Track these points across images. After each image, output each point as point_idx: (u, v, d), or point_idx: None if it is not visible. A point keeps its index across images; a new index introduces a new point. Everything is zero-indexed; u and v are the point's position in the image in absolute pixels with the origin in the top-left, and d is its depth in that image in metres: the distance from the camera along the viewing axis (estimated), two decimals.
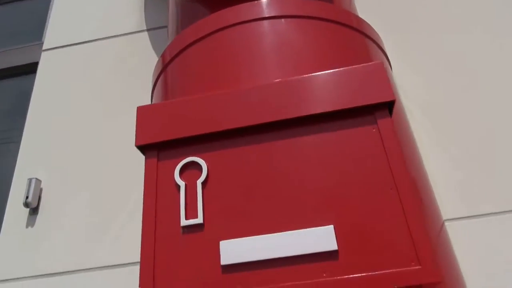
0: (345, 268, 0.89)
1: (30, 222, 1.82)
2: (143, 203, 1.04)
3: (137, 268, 1.46)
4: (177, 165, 1.08)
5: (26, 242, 1.77)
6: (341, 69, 1.11)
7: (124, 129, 1.92)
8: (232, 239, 0.95)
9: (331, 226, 0.92)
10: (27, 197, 1.79)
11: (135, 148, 1.15)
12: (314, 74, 1.11)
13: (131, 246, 1.68)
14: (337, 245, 0.90)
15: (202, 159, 1.07)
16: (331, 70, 1.11)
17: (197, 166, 1.07)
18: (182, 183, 1.05)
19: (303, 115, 1.06)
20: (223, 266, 0.93)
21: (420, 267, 0.86)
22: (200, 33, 1.47)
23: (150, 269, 0.95)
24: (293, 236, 0.93)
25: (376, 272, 0.87)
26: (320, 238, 0.91)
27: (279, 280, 0.89)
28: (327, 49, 1.34)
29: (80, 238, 1.73)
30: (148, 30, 2.23)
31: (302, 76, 1.12)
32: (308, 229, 0.93)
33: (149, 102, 1.95)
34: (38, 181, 1.86)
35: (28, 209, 1.83)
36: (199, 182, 1.04)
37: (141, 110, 1.17)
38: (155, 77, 1.65)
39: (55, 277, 1.67)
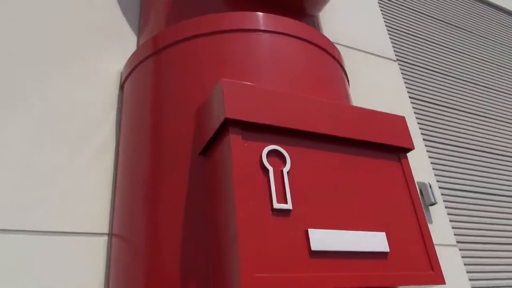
0: (391, 266, 1.14)
1: None
2: (235, 180, 1.03)
3: (84, 239, 1.31)
4: (263, 149, 1.12)
5: None
6: (383, 112, 1.40)
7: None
8: (318, 229, 1.07)
9: (383, 233, 1.17)
10: None
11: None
12: (363, 108, 1.37)
13: (82, 212, 1.44)
14: (389, 248, 1.15)
15: (285, 150, 1.15)
16: (376, 110, 1.39)
17: (280, 155, 1.14)
18: (270, 168, 1.10)
19: (358, 138, 1.29)
20: (313, 251, 1.04)
21: (433, 272, 1.20)
22: (202, 29, 1.51)
23: (250, 247, 0.97)
24: (362, 236, 1.13)
25: (408, 272, 1.16)
26: (380, 241, 1.15)
27: (351, 270, 1.07)
28: (311, 68, 1.59)
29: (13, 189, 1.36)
30: None
31: (356, 106, 1.35)
32: (371, 232, 1.15)
33: (95, 50, 1.74)
34: None
35: None
36: (284, 170, 1.12)
37: (227, 84, 1.14)
38: (144, 54, 1.57)
39: None
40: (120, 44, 1.86)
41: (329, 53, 1.70)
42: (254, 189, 1.05)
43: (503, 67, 3.81)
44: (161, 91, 1.50)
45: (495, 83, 3.58)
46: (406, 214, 1.27)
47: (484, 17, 4.12)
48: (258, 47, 1.50)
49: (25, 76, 1.54)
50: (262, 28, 1.56)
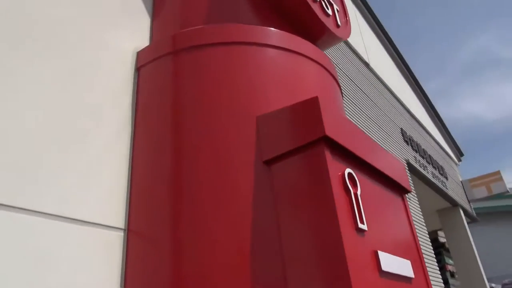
0: None
1: None
2: (335, 197, 1.08)
3: (96, 230, 1.19)
4: (344, 170, 1.19)
5: None
6: (390, 154, 1.62)
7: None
8: (381, 251, 1.19)
9: (409, 261, 1.35)
10: None
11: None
12: (388, 152, 1.57)
13: (98, 201, 1.23)
14: (413, 274, 1.34)
15: (356, 176, 1.24)
16: (389, 153, 1.60)
17: (352, 179, 1.23)
18: (352, 189, 1.17)
19: (390, 175, 1.47)
20: (383, 271, 1.14)
21: None
22: (223, 38, 1.55)
23: (353, 260, 1.02)
24: (403, 261, 1.28)
25: None
26: (409, 268, 1.32)
27: None
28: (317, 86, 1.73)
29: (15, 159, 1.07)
30: None
31: (384, 150, 1.54)
32: (404, 259, 1.31)
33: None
34: None
35: None
36: (358, 193, 1.21)
37: (323, 104, 1.20)
38: (165, 50, 1.53)
39: None
40: (135, 20, 1.69)
41: (332, 74, 1.83)
42: (342, 207, 1.12)
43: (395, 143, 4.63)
44: (189, 91, 1.44)
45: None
46: (413, 246, 1.48)
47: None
48: (277, 63, 1.55)
49: (38, 51, 1.27)
50: (283, 45, 1.62)
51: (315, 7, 1.78)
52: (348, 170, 1.21)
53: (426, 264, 3.98)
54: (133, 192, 1.34)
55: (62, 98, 1.25)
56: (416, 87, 7.14)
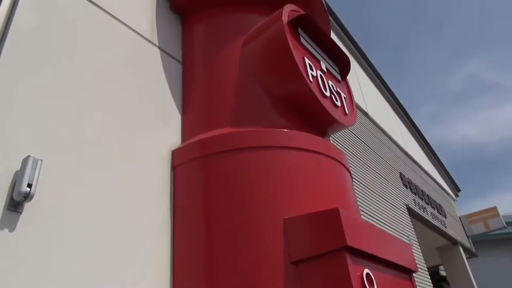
0: None
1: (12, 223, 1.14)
2: None
3: None
4: (362, 272, 1.38)
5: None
6: (402, 241, 1.82)
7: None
8: None
9: None
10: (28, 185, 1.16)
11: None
12: (397, 237, 1.77)
13: None
14: None
15: (372, 273, 1.44)
16: (402, 240, 1.80)
17: (368, 277, 1.42)
18: None
19: (399, 263, 1.66)
20: None
21: None
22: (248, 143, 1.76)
23: None
24: None
25: None
26: None
27: None
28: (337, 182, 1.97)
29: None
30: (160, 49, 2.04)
31: (395, 236, 1.74)
32: None
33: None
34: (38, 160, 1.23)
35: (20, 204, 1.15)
36: None
37: (343, 214, 1.40)
38: (192, 154, 1.74)
39: None
40: (167, 119, 1.90)
41: (346, 166, 2.06)
42: None
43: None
44: (220, 195, 1.64)
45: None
46: None
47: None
48: (300, 165, 1.76)
49: (79, 158, 1.48)
50: (305, 147, 1.83)
51: (326, 103, 2.01)
52: (366, 270, 1.40)
53: None
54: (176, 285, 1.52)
55: (107, 204, 1.45)
56: (410, 124, 7.40)
